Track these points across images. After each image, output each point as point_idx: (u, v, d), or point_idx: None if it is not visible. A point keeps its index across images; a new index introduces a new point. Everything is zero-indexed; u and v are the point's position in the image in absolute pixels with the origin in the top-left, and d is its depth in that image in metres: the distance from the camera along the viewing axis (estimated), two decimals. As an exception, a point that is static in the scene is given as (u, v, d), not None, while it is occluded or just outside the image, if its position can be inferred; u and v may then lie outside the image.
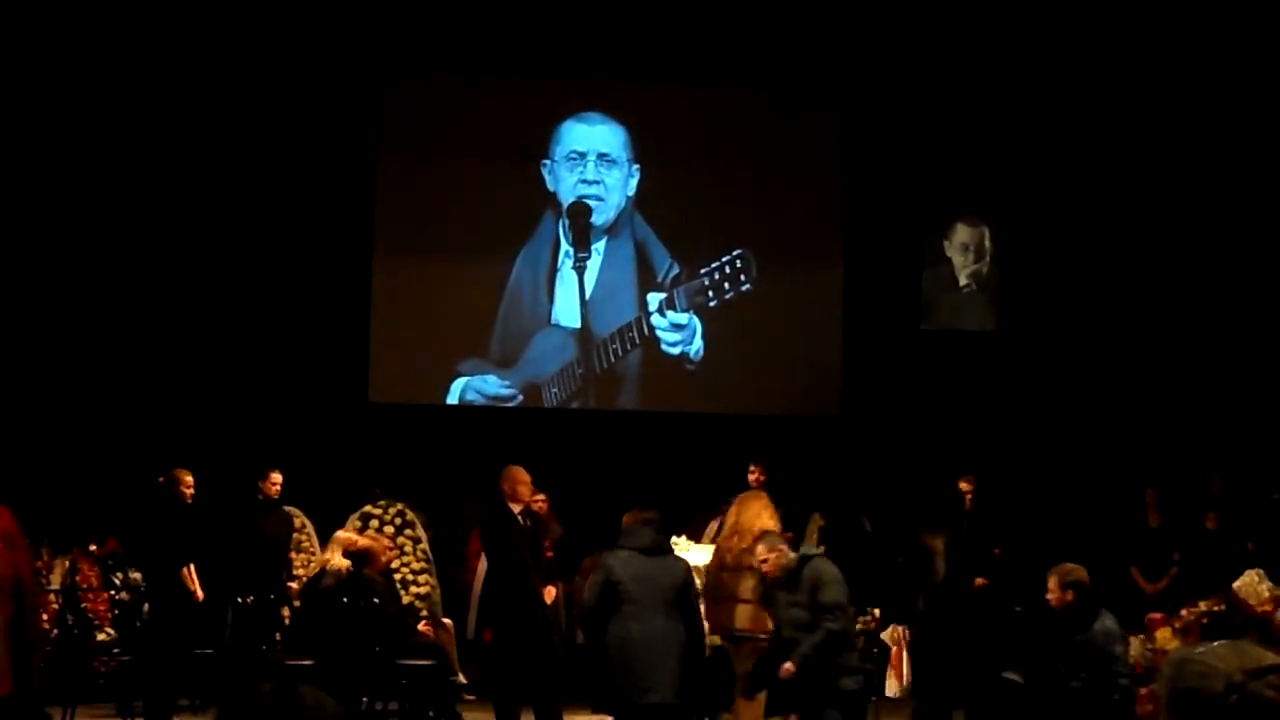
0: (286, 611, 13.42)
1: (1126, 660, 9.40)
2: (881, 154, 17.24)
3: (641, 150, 17.25)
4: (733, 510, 11.37)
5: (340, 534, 13.51)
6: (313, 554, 14.25)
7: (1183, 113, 16.92)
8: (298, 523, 14.27)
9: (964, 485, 14.51)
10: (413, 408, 16.74)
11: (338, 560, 12.99)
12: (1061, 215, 17.23)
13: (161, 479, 12.76)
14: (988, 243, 17.62)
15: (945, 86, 17.14)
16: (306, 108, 16.55)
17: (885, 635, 13.50)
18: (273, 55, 16.41)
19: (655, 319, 17.05)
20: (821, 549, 10.60)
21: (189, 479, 12.73)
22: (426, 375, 16.92)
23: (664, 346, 17.09)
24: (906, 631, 13.61)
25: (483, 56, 16.91)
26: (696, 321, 17.12)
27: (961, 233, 17.62)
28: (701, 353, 17.13)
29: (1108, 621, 9.39)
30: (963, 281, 17.64)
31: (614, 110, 17.31)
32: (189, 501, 12.71)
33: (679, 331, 17.08)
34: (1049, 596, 9.60)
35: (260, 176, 16.46)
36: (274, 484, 13.79)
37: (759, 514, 11.10)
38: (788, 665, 9.65)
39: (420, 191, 16.92)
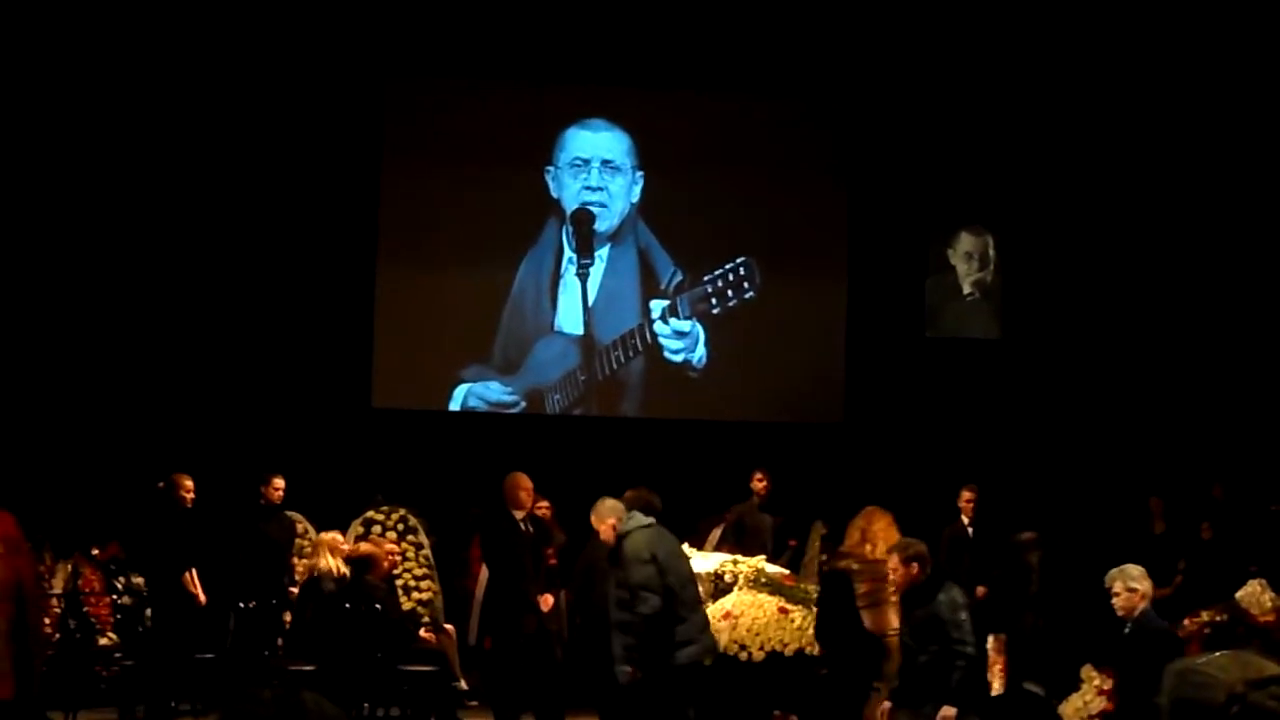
0: (288, 617, 13.41)
1: (970, 630, 9.29)
2: (886, 162, 17.24)
3: (645, 157, 17.24)
4: (859, 521, 11.66)
5: (325, 536, 13.52)
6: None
7: (1185, 121, 16.91)
8: (300, 528, 14.25)
9: (966, 494, 14.53)
10: (416, 413, 16.73)
11: (326, 562, 13.02)
12: (1065, 224, 17.23)
13: (161, 484, 12.77)
14: (992, 251, 17.61)
15: (950, 95, 17.13)
16: (311, 113, 16.54)
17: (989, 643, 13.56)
18: (277, 61, 16.41)
19: (658, 326, 17.03)
20: (651, 521, 10.65)
21: (189, 484, 12.74)
22: (429, 381, 16.90)
23: (667, 354, 17.07)
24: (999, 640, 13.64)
25: (487, 63, 16.90)
26: (700, 329, 17.10)
27: (966, 241, 17.61)
28: (705, 360, 17.11)
29: (953, 592, 9.32)
30: (967, 290, 17.63)
31: (618, 117, 17.31)
32: (189, 506, 12.73)
33: (682, 339, 17.06)
34: (891, 575, 9.58)
35: (265, 183, 16.45)
36: (276, 489, 13.79)
37: (888, 527, 11.45)
38: (627, 670, 9.94)
39: (424, 198, 16.92)
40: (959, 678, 9.00)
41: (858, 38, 17.03)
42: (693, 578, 10.76)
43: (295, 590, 13.50)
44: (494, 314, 17.01)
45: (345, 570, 13.16)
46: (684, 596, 10.33)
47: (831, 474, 16.02)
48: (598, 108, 17.28)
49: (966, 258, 17.63)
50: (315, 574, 13.17)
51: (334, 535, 13.62)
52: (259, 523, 13.63)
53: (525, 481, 12.15)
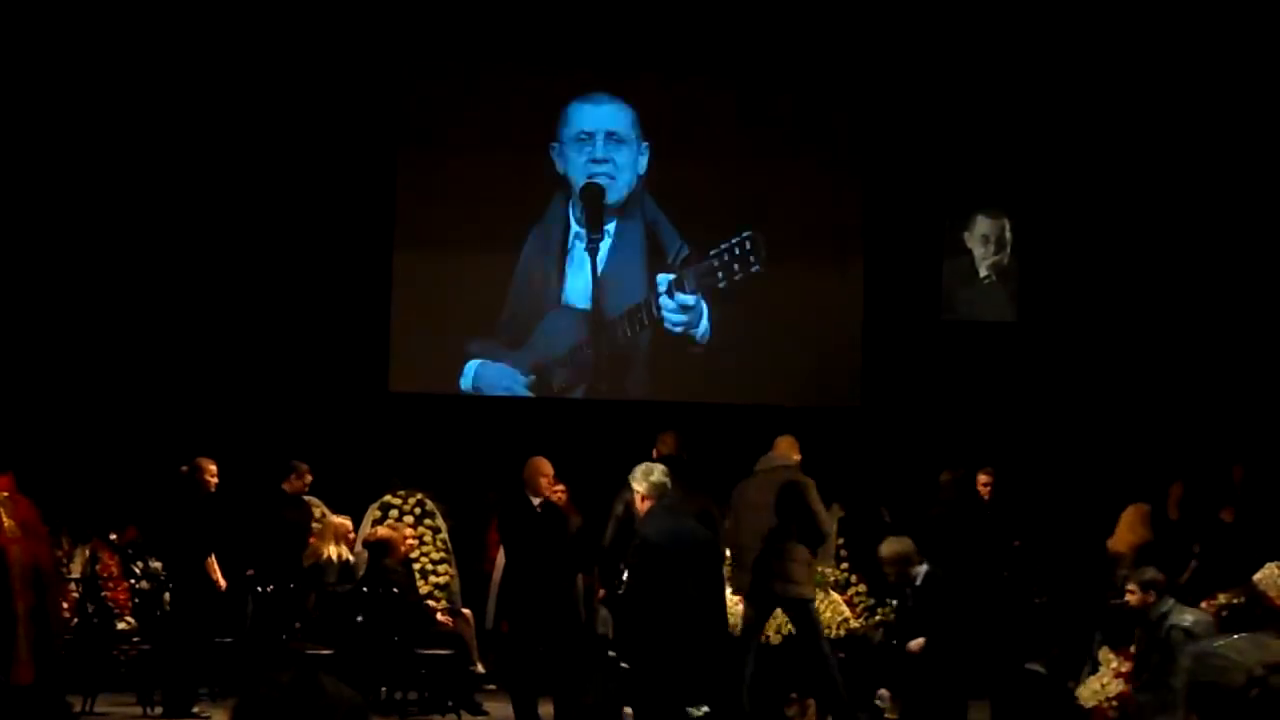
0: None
1: None
2: (901, 145, 17.20)
3: (650, 131, 17.20)
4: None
5: (334, 520, 13.56)
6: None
7: (1203, 103, 16.86)
8: (317, 513, 14.29)
9: (983, 477, 14.50)
10: (433, 397, 16.73)
11: (329, 550, 13.08)
12: (1082, 206, 17.19)
13: (185, 468, 12.81)
14: (1008, 234, 17.57)
15: (965, 77, 17.09)
16: (324, 101, 16.54)
17: None
18: (291, 48, 16.40)
19: (663, 300, 17.00)
20: None
21: (213, 468, 12.80)
22: (446, 364, 16.88)
23: (667, 325, 17.01)
24: None
25: (489, 42, 16.89)
26: (704, 304, 17.05)
27: (981, 224, 17.57)
28: (707, 335, 17.04)
29: None
30: (982, 273, 17.60)
31: (621, 91, 17.26)
32: (212, 490, 12.77)
33: (686, 313, 17.01)
34: None
35: (279, 168, 16.46)
36: (305, 480, 13.86)
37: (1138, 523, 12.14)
38: None
39: (437, 180, 16.90)
40: None
41: (872, 19, 16.99)
42: None
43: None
44: (502, 290, 16.98)
45: (349, 557, 13.25)
46: None
47: (848, 457, 15.99)
48: (600, 82, 17.23)
49: (983, 240, 17.60)
50: (318, 561, 13.25)
51: (344, 520, 13.68)
52: (282, 508, 13.68)
53: (546, 468, 12.14)
